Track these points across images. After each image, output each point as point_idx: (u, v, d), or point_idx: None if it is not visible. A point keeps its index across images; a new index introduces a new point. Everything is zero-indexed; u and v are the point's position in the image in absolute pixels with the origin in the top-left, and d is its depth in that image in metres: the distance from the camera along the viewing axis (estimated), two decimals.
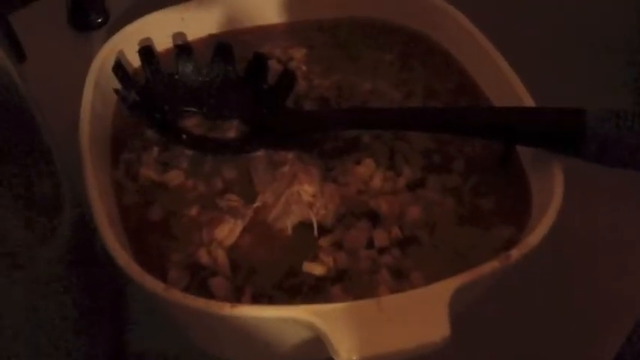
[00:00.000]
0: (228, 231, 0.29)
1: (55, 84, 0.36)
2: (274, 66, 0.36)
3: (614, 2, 0.46)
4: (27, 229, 0.23)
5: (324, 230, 0.29)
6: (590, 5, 0.45)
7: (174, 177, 0.31)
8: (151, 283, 0.25)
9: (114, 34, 0.36)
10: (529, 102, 0.31)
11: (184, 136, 0.32)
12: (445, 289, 0.25)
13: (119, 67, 0.33)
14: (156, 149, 0.32)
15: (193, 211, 0.30)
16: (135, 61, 0.35)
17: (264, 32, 0.39)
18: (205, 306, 0.24)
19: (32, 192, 0.23)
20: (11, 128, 0.22)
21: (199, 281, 0.28)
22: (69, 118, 0.32)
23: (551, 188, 0.29)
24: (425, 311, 0.24)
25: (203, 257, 0.28)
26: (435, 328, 0.24)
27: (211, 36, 0.38)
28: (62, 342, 0.26)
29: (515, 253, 0.26)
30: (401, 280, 0.28)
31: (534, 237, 0.27)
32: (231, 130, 0.33)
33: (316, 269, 0.28)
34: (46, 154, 0.25)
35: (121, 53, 0.35)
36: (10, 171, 0.22)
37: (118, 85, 0.33)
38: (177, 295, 0.24)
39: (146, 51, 0.34)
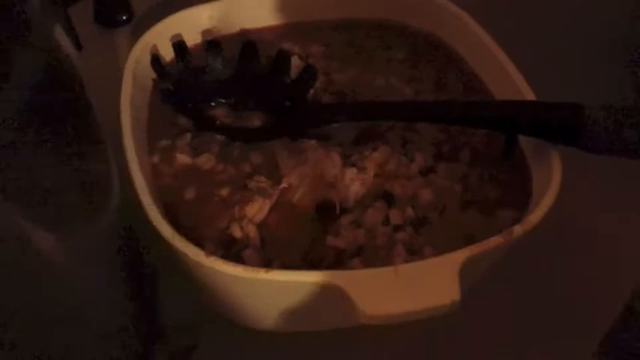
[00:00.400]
0: (258, 209, 0.32)
1: (85, 77, 0.39)
2: (295, 62, 0.39)
3: (613, 3, 0.48)
4: (83, 204, 0.26)
5: (344, 210, 0.32)
6: (590, 5, 0.48)
7: (206, 161, 0.34)
8: (194, 252, 0.28)
9: (138, 30, 0.39)
10: (530, 96, 0.34)
11: (218, 122, 0.35)
12: (456, 259, 0.28)
13: (156, 60, 0.36)
14: (188, 135, 0.35)
15: (225, 191, 0.33)
16: (166, 55, 0.38)
17: (285, 30, 0.42)
18: (243, 271, 0.27)
19: (89, 170, 0.26)
20: (77, 112, 0.25)
21: (232, 254, 0.30)
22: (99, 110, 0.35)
23: (550, 174, 0.31)
24: (438, 278, 0.27)
25: (236, 232, 0.31)
26: (446, 293, 0.27)
27: (237, 33, 0.41)
28: (110, 308, 0.29)
29: (517, 229, 0.29)
30: (414, 255, 0.31)
31: (535, 216, 0.30)
32: (256, 120, 0.36)
33: (339, 242, 0.31)
34: (100, 135, 0.28)
35: (154, 48, 0.37)
36: (73, 150, 0.25)
37: (152, 77, 0.36)
38: (217, 262, 0.27)
39: (179, 46, 0.37)
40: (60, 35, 0.21)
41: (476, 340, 0.34)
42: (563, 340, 0.34)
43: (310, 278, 0.27)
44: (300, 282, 0.27)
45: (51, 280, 0.24)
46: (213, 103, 0.36)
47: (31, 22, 0.19)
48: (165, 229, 0.28)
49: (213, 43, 0.37)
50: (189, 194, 0.33)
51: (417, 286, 0.27)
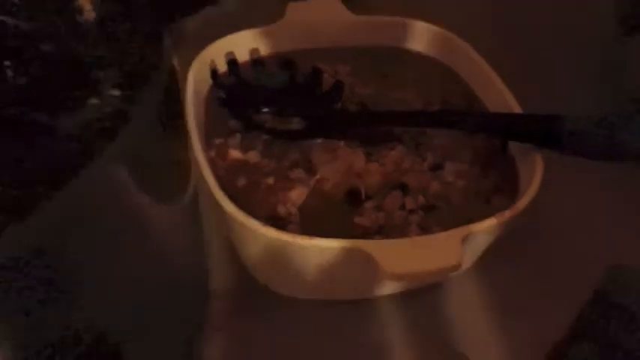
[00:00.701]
0: (298, 194, 0.39)
1: None
2: (326, 78, 0.46)
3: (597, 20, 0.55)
4: (174, 187, 0.33)
5: (368, 196, 0.39)
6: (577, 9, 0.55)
7: (253, 156, 0.42)
8: (253, 223, 0.35)
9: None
10: (517, 110, 0.42)
11: (266, 124, 0.43)
12: (460, 233, 0.35)
13: (214, 73, 0.43)
14: (238, 135, 0.43)
15: (270, 180, 0.40)
16: (219, 68, 0.46)
17: (317, 52, 0.49)
18: (292, 238, 0.34)
19: (179, 152, 0.33)
20: (177, 111, 0.32)
21: (278, 228, 0.38)
22: None
23: (534, 171, 0.39)
24: (445, 246, 0.34)
25: (281, 211, 0.38)
26: (452, 257, 0.34)
27: (277, 54, 0.48)
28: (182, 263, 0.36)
29: (507, 213, 0.37)
30: (425, 232, 0.38)
31: (521, 203, 0.37)
32: (295, 124, 0.44)
33: (364, 222, 0.38)
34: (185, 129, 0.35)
35: (212, 63, 0.45)
36: (175, 145, 0.32)
37: (208, 87, 0.44)
38: (271, 231, 0.35)
39: (232, 62, 0.44)
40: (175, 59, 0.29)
41: (472, 308, 0.42)
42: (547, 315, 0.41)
43: (345, 245, 0.34)
44: (337, 248, 0.34)
45: (148, 238, 0.31)
46: (265, 109, 0.44)
47: (164, 53, 0.26)
48: (228, 205, 0.36)
49: (258, 61, 0.45)
50: (241, 182, 0.40)
51: (429, 253, 0.34)
